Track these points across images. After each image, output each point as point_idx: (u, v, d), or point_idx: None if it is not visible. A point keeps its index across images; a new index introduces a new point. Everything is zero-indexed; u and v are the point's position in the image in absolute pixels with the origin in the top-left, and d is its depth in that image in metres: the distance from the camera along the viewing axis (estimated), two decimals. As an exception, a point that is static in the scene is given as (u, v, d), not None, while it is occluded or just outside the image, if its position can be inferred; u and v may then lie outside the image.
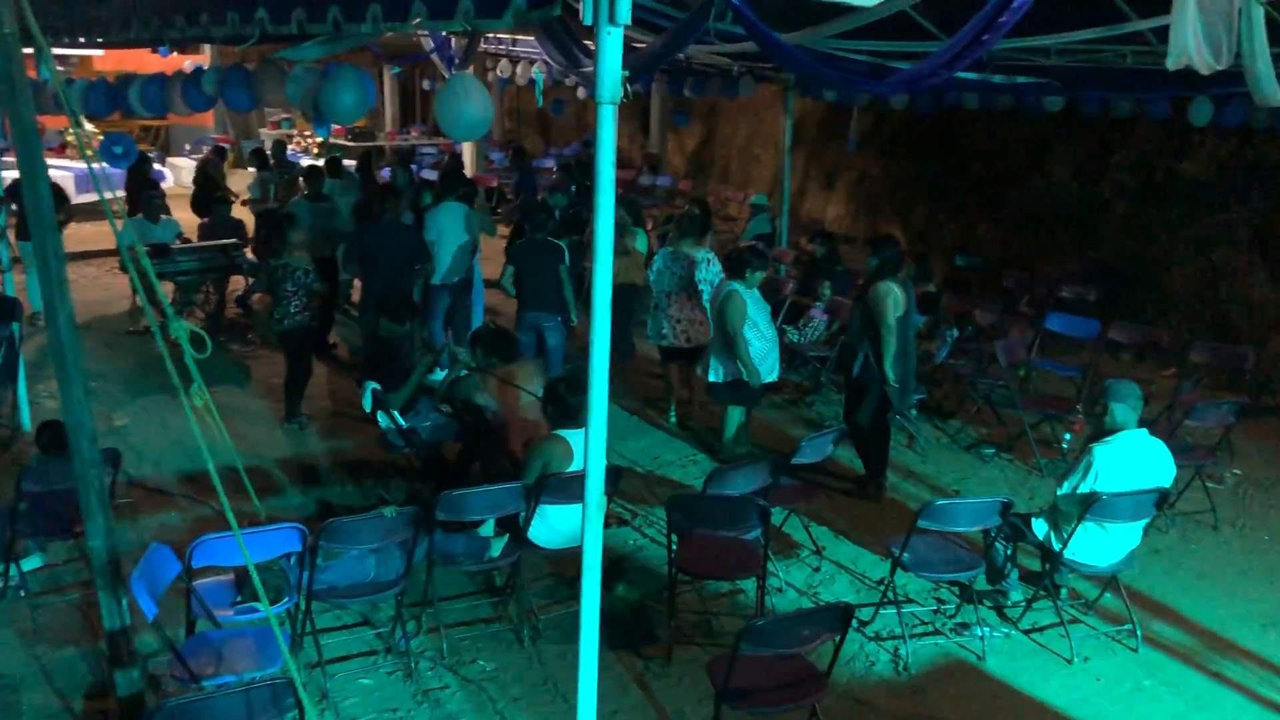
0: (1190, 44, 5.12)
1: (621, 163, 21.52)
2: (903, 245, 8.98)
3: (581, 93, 17.27)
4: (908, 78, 5.21)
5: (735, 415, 7.75)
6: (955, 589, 5.96)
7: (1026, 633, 5.66)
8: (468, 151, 17.32)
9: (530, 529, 5.37)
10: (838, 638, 4.18)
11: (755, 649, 4.05)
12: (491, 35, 14.46)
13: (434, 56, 14.17)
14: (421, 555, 5.14)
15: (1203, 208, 10.64)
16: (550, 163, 19.33)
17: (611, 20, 3.15)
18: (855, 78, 5.87)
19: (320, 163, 12.68)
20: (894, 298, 6.76)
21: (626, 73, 3.20)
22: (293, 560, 4.77)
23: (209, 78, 5.81)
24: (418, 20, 3.53)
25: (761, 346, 7.38)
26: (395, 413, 6.62)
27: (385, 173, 14.66)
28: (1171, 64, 5.36)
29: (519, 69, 15.29)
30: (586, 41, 9.11)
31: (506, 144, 20.51)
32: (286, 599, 4.79)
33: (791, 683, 4.30)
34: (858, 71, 6.24)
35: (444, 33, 13.80)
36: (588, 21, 3.18)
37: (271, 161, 13.31)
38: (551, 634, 5.40)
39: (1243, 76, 5.26)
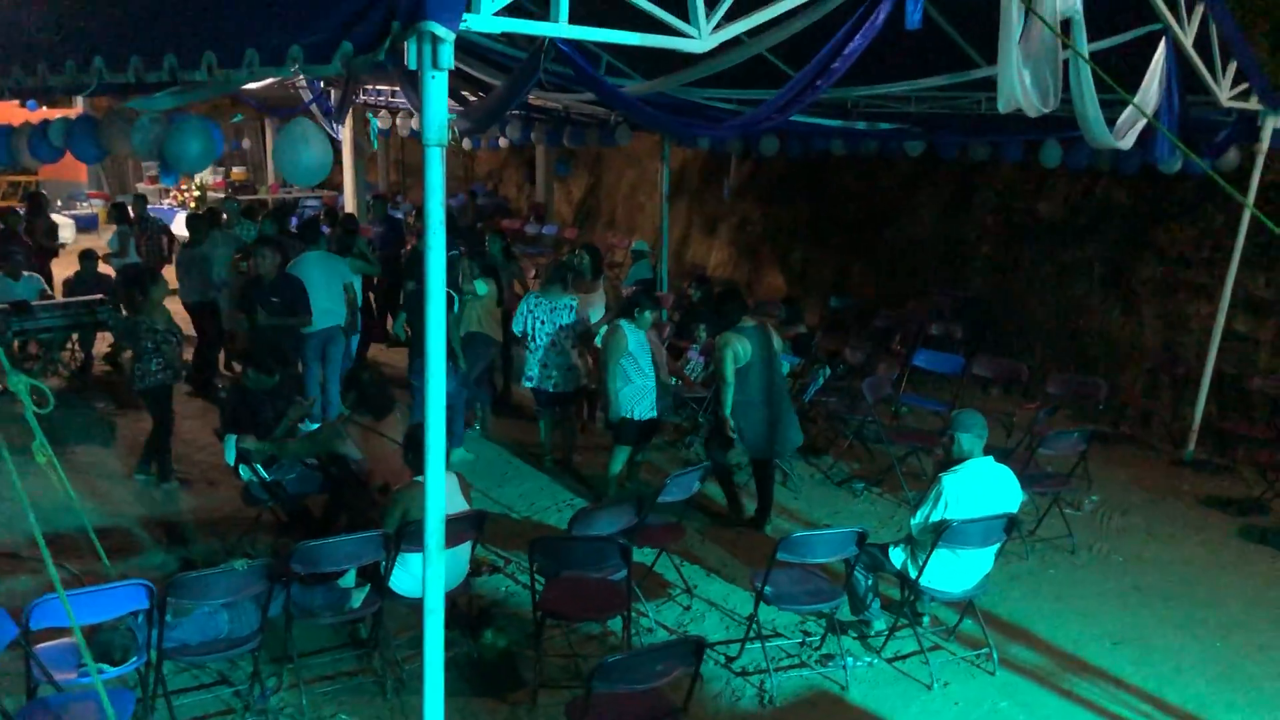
0: (1017, 88, 5.43)
1: (508, 212, 21.69)
2: (750, 296, 9.18)
3: (467, 143, 17.37)
4: (742, 123, 5.39)
5: (620, 455, 7.80)
6: (822, 621, 6.05)
7: (889, 661, 5.78)
8: (350, 203, 17.17)
9: (392, 578, 5.30)
10: (692, 671, 4.21)
11: (608, 687, 4.06)
12: (370, 87, 14.47)
13: (313, 108, 14.10)
14: (278, 609, 5.03)
15: (1059, 246, 11.13)
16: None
17: (435, 65, 3.20)
18: (692, 122, 6.02)
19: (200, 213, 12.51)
20: (732, 350, 7.01)
21: (453, 116, 3.26)
22: (140, 619, 4.63)
23: (55, 128, 5.68)
24: (250, 68, 3.53)
25: (640, 384, 7.48)
26: (258, 466, 6.50)
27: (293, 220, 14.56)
28: (1002, 107, 5.69)
29: (398, 119, 15.31)
30: (464, 92, 9.23)
31: (392, 195, 20.40)
32: (135, 658, 4.64)
33: (649, 718, 4.31)
34: (696, 116, 6.41)
35: (320, 83, 13.79)
36: (412, 66, 3.23)
37: (131, 216, 13.00)
38: (415, 684, 5.27)
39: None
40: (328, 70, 3.40)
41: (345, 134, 15.63)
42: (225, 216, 12.02)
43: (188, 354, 9.42)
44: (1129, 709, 5.41)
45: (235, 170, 22.13)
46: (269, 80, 11.15)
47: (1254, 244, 9.12)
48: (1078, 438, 7.44)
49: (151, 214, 14.21)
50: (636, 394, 7.48)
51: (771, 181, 15.62)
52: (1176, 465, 9.20)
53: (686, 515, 7.08)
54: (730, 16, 4.34)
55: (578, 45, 3.97)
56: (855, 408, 8.89)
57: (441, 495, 3.62)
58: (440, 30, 3.10)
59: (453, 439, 8.64)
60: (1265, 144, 8.71)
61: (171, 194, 19.74)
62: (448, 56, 3.17)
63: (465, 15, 3.23)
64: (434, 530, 3.59)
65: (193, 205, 18.15)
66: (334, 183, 19.37)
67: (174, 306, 8.56)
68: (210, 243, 10.24)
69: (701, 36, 4.08)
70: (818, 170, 14.19)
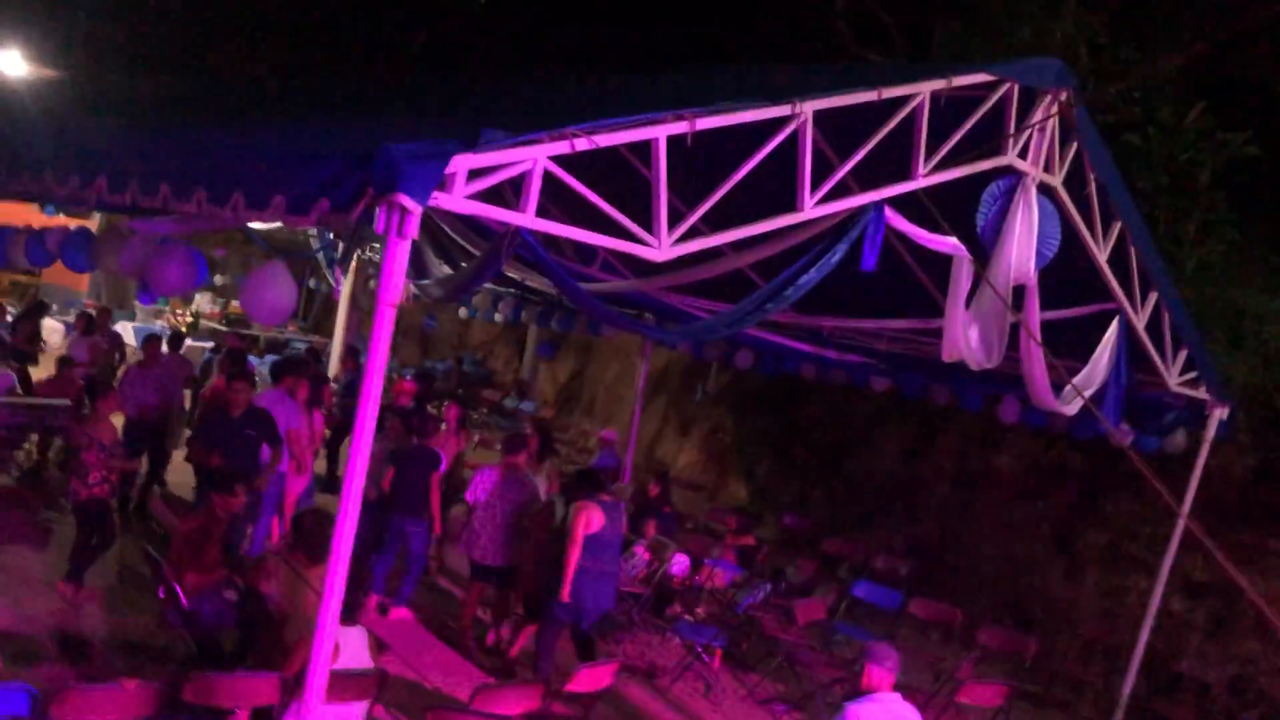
0: (960, 342, 5.75)
1: (491, 384, 22.03)
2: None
3: (463, 312, 17.85)
4: (691, 331, 5.67)
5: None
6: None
7: None
8: (336, 351, 17.47)
9: (284, 726, 5.21)
10: None
11: None
12: (377, 245, 15.04)
13: (319, 256, 14.60)
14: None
15: (1012, 500, 11.34)
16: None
17: (400, 233, 3.46)
18: (640, 324, 6.30)
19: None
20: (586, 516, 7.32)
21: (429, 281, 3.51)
22: (18, 727, 4.56)
23: (53, 236, 5.96)
24: (234, 209, 3.79)
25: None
26: (178, 591, 6.46)
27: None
28: (945, 356, 5.99)
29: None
30: (446, 264, 9.63)
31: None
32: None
33: None
34: (663, 317, 6.69)
35: (330, 234, 14.33)
36: (379, 230, 3.49)
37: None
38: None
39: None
40: (307, 222, 3.65)
41: (345, 286, 16.08)
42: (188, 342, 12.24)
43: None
44: None
45: (234, 304, 22.59)
46: (277, 224, 11.60)
47: (1205, 528, 9.32)
48: (1002, 689, 7.44)
49: (114, 329, 14.39)
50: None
51: (749, 394, 16.00)
52: (1102, 737, 9.12)
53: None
54: (695, 233, 4.67)
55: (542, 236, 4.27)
56: (788, 629, 8.87)
57: (328, 645, 3.66)
58: (409, 203, 3.37)
59: (403, 597, 8.69)
60: (1211, 433, 9.04)
61: (164, 315, 20.08)
62: (413, 227, 3.43)
63: (437, 194, 3.52)
64: (317, 679, 3.62)
65: (185, 329, 18.46)
66: (326, 330, 19.81)
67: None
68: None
69: (661, 247, 4.40)
70: (793, 390, 14.58)
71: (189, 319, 19.52)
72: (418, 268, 6.60)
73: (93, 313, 14.01)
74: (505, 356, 23.37)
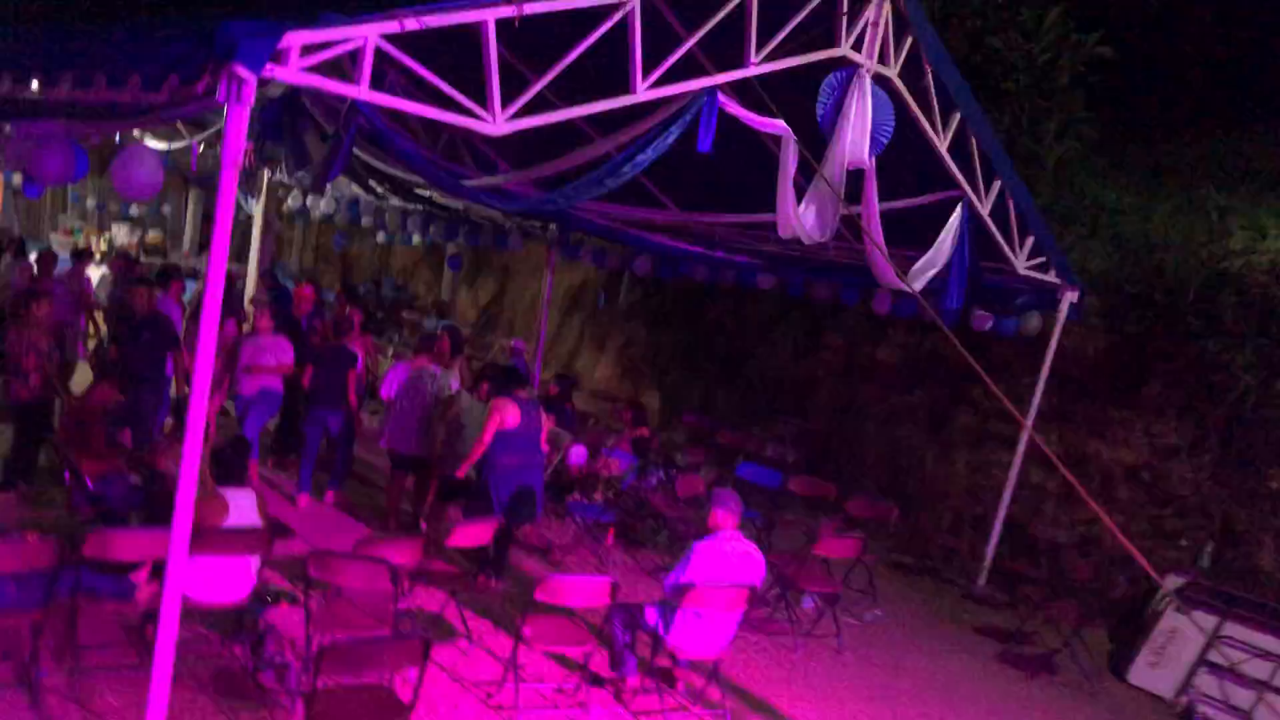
0: (793, 219, 6.32)
1: (412, 306, 22.33)
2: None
3: (381, 237, 18.11)
4: (534, 203, 6.16)
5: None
6: (585, 672, 6.56)
7: (635, 715, 6.29)
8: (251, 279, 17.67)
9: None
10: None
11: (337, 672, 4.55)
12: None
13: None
14: (65, 589, 5.41)
15: (892, 390, 12.09)
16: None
17: (238, 99, 3.91)
18: (477, 192, 6.74)
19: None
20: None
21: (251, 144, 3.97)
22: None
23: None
24: (95, 89, 4.21)
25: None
26: (84, 477, 6.90)
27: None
28: (781, 233, 6.57)
29: (309, 200, 15.99)
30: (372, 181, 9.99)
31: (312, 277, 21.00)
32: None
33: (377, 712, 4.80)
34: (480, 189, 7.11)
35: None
36: (220, 100, 3.94)
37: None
38: (187, 680, 5.69)
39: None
40: (160, 97, 4.08)
41: (257, 210, 16.24)
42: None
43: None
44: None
45: (152, 234, 22.58)
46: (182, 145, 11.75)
47: (1049, 403, 10.14)
48: (855, 542, 8.17)
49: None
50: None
51: (659, 308, 16.58)
52: (965, 598, 9.95)
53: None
54: (533, 111, 5.17)
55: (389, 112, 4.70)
56: (673, 506, 9.54)
57: (190, 492, 4.18)
58: (244, 72, 3.83)
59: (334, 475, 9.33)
60: (1062, 315, 9.79)
61: (79, 242, 20.06)
62: (250, 94, 3.88)
63: (272, 66, 3.97)
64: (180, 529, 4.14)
65: (99, 257, 18.50)
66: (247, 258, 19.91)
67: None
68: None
69: (495, 122, 4.88)
70: (700, 302, 15.20)
71: (103, 247, 19.53)
72: (299, 160, 6.97)
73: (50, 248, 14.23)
74: (427, 280, 23.68)
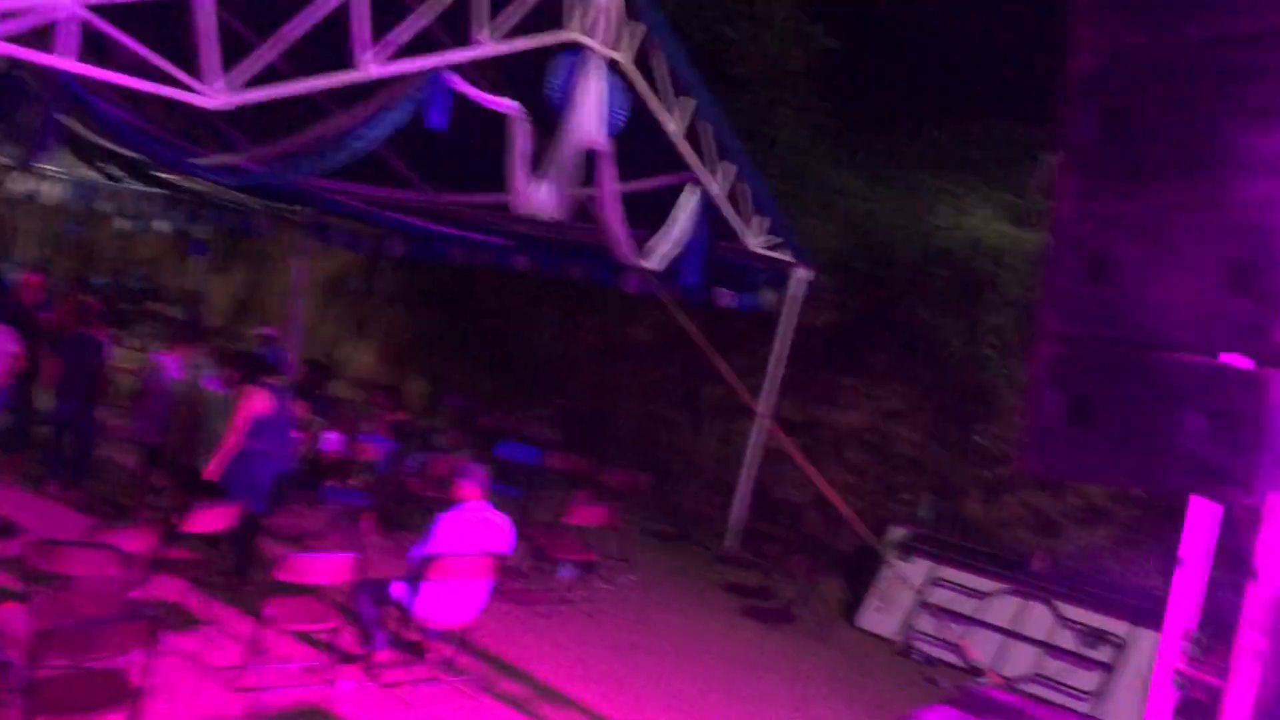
0: (524, 196, 6.53)
1: (158, 297, 21.28)
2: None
3: (122, 223, 17.12)
4: (257, 177, 6.14)
5: None
6: (333, 650, 6.56)
7: (385, 688, 6.36)
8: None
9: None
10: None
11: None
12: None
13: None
14: None
15: (646, 366, 12.56)
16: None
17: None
18: (203, 169, 6.66)
19: None
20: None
21: None
22: None
23: None
24: None
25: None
26: None
27: None
28: (515, 210, 6.76)
29: (42, 186, 14.97)
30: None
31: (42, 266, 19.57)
32: None
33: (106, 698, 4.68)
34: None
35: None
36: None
37: None
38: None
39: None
40: None
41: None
42: None
43: None
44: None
45: None
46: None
47: (790, 374, 10.81)
48: (605, 510, 8.51)
49: None
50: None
51: (422, 292, 16.48)
52: (715, 560, 10.50)
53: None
54: (259, 85, 5.13)
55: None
56: (430, 487, 9.60)
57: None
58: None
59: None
60: (790, 292, 10.47)
61: None
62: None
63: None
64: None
65: None
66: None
67: None
68: None
69: (211, 95, 4.83)
70: (463, 285, 15.23)
71: None
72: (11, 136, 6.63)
73: None
74: (176, 270, 22.56)
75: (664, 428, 12.30)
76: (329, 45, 5.55)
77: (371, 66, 5.51)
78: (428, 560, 6.14)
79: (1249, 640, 2.72)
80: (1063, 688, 8.05)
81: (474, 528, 6.34)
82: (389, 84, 5.91)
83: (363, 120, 5.61)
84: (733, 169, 9.19)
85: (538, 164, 6.91)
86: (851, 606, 9.55)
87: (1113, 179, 2.70)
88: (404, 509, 10.05)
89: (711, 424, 11.86)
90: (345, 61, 5.43)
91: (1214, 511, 3.71)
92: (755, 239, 9.86)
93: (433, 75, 5.81)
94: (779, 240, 10.18)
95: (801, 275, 10.52)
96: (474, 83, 6.56)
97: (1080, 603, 8.29)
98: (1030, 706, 6.48)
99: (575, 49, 6.93)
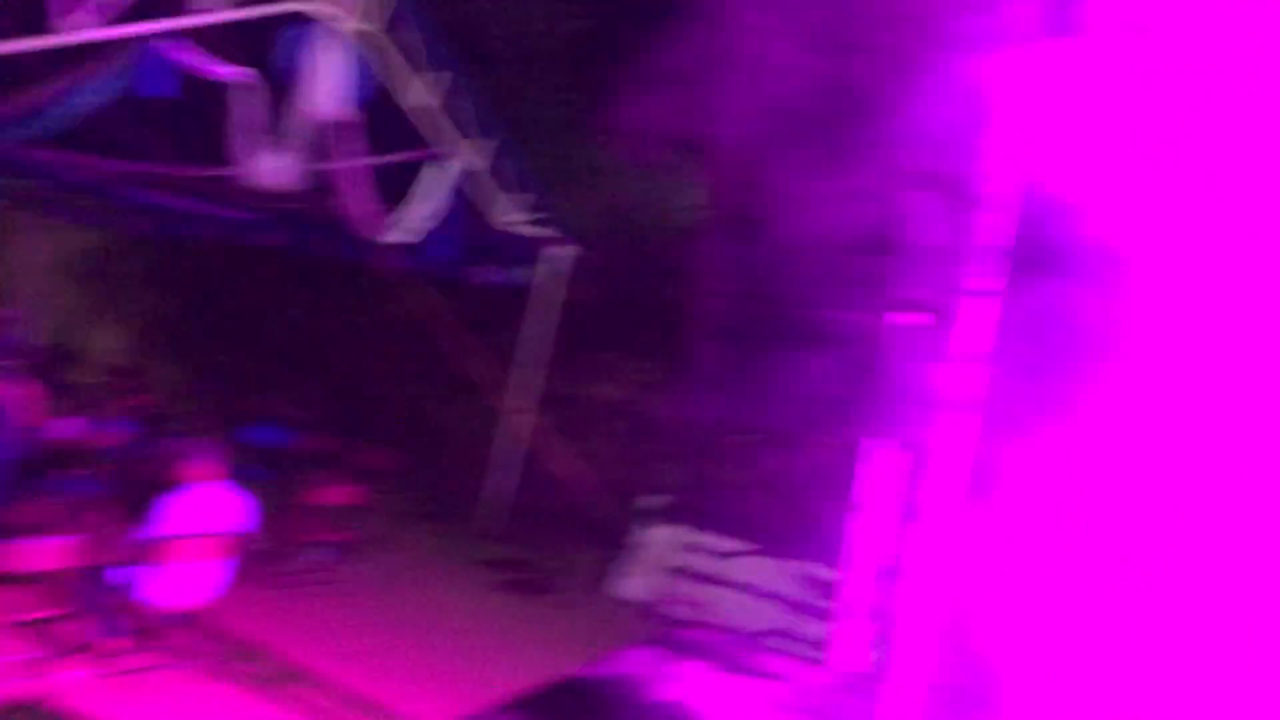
0: (256, 166, 6.37)
1: None
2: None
3: None
4: None
5: None
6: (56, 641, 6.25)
7: (112, 676, 6.11)
8: None
9: None
10: None
11: None
12: None
13: None
14: None
15: (405, 346, 12.44)
16: None
17: None
18: None
19: None
20: None
21: None
22: None
23: None
24: None
25: None
26: None
27: None
28: (245, 182, 6.60)
29: None
30: None
31: None
32: None
33: None
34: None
35: None
36: None
37: None
38: None
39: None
40: None
41: None
42: None
43: None
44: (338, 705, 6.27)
45: None
46: None
47: (557, 349, 10.99)
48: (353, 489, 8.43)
49: None
50: None
51: (173, 270, 15.70)
52: (477, 538, 10.56)
53: None
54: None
55: None
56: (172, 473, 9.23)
57: None
58: None
59: None
60: (549, 268, 10.64)
61: None
62: None
63: None
64: None
65: None
66: None
67: None
68: None
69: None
70: (218, 263, 14.59)
71: None
72: None
73: None
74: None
75: (425, 406, 12.23)
76: (35, 5, 5.25)
77: (67, 31, 5.23)
78: (148, 543, 5.94)
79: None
80: (801, 640, 8.57)
81: (203, 509, 6.18)
82: (101, 49, 5.64)
83: (65, 89, 5.32)
84: (492, 145, 9.20)
85: (273, 135, 6.74)
86: (605, 574, 9.82)
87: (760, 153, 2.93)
88: (143, 495, 9.64)
89: (471, 402, 11.87)
90: (42, 25, 5.15)
91: (887, 459, 4.07)
92: (515, 216, 9.94)
93: (145, 43, 5.57)
94: (540, 216, 10.29)
95: (561, 252, 10.68)
96: (216, 52, 6.34)
97: (816, 558, 8.83)
98: (722, 642, 6.89)
99: (317, 18, 6.78)
